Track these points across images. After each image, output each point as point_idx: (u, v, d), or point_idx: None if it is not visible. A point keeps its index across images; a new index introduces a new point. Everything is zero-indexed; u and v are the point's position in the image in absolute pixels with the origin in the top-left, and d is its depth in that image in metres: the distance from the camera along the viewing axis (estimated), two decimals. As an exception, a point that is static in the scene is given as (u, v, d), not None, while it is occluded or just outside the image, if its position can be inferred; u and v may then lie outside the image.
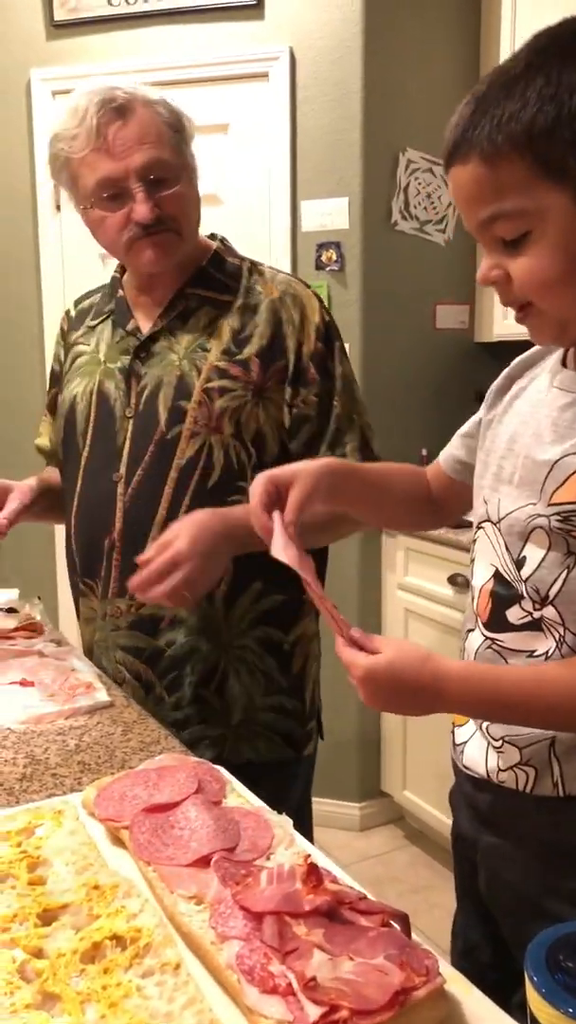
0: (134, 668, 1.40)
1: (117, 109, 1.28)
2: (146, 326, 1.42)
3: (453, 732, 1.01)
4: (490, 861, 0.95)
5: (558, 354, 0.92)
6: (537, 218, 0.75)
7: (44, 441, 1.65)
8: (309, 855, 0.79)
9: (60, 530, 1.70)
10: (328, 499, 1.00)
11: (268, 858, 0.81)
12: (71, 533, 1.46)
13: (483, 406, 1.03)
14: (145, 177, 1.29)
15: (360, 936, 0.69)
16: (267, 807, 0.91)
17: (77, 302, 1.59)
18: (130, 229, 1.32)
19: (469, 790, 0.98)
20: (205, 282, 1.41)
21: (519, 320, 0.85)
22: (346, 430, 1.38)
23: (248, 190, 2.80)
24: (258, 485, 0.98)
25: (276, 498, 0.97)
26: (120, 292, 1.48)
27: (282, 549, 0.92)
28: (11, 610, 1.60)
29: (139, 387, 1.39)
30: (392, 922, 0.72)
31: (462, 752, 0.98)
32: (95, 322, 1.50)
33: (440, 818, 2.60)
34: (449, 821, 2.79)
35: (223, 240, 1.48)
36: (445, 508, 1.16)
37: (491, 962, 1.00)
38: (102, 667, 1.41)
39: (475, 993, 0.68)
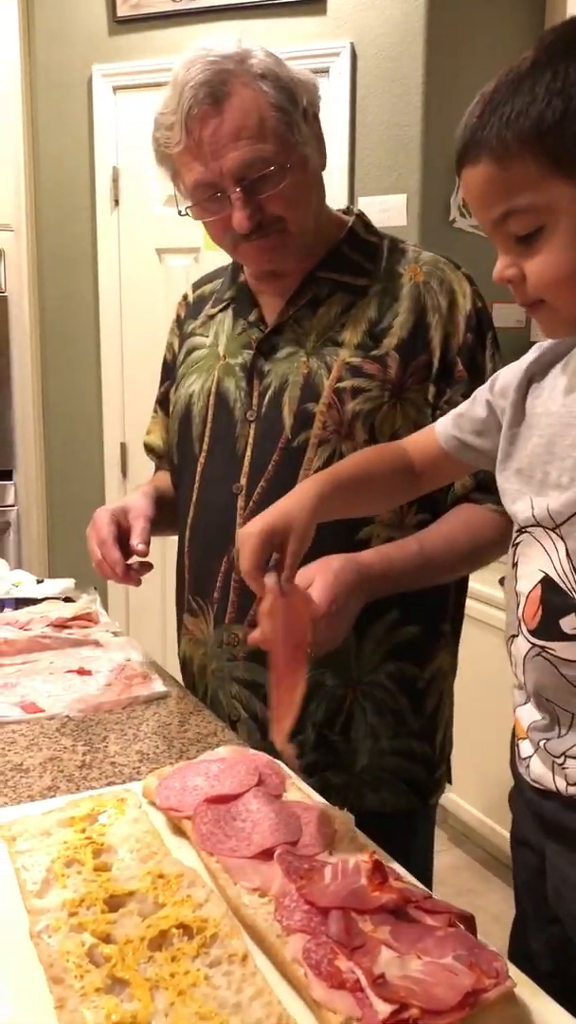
0: (250, 706, 1.25)
1: (212, 95, 1.11)
2: (271, 316, 1.26)
3: (517, 745, 1.00)
4: (559, 868, 0.94)
5: None
6: (549, 213, 0.75)
7: (155, 440, 1.50)
8: (374, 852, 0.79)
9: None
10: (318, 525, 0.97)
11: (330, 853, 0.81)
12: (184, 546, 1.33)
13: (503, 411, 0.97)
14: (243, 179, 1.13)
15: (427, 935, 0.68)
16: (327, 802, 0.91)
17: (196, 285, 1.43)
18: (231, 234, 1.18)
19: (533, 797, 0.96)
20: (338, 264, 1.24)
21: (530, 314, 0.84)
22: None
23: (305, 186, 2.80)
24: (250, 544, 0.90)
25: (270, 555, 0.92)
26: (241, 277, 1.31)
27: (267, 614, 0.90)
28: (67, 599, 1.62)
29: (262, 386, 1.23)
30: (457, 923, 0.71)
31: (528, 766, 0.96)
32: (215, 310, 1.34)
33: (485, 821, 2.58)
34: (493, 824, 2.75)
35: (360, 214, 1.29)
36: (425, 478, 1.09)
37: (551, 971, 0.98)
38: (217, 700, 1.29)
39: (543, 998, 0.67)
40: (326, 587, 1.05)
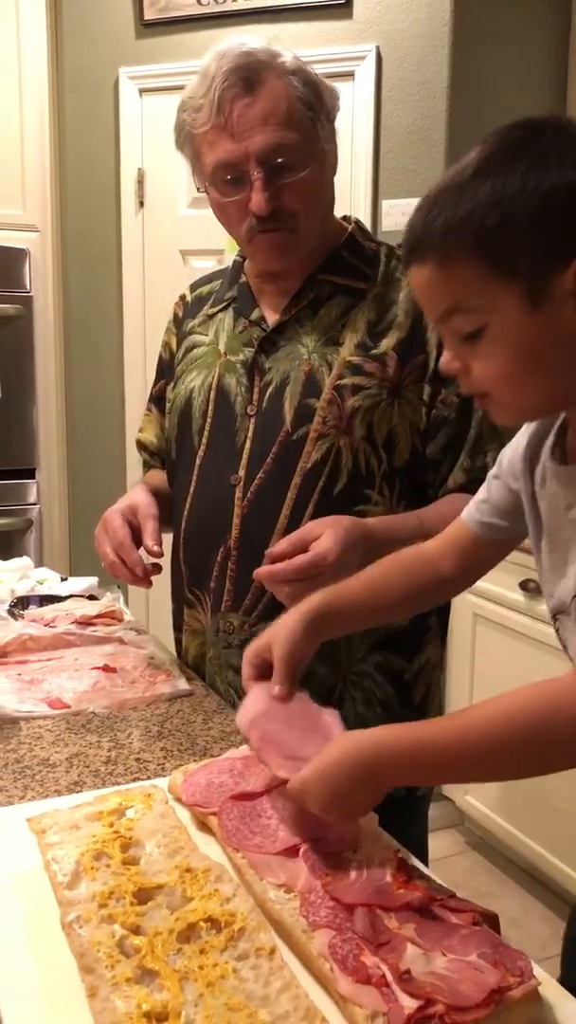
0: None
1: (246, 80, 1.16)
2: (272, 316, 1.30)
3: None
4: None
5: (551, 440, 0.91)
6: (491, 314, 0.78)
7: (148, 436, 1.52)
8: (399, 850, 0.79)
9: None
10: (320, 641, 0.99)
11: (355, 851, 0.82)
12: (181, 538, 1.36)
13: (519, 491, 0.98)
14: (266, 162, 1.17)
15: (452, 933, 0.69)
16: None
17: (194, 287, 1.47)
18: (248, 220, 1.21)
19: None
20: (338, 268, 1.29)
21: (478, 406, 0.87)
22: (488, 438, 1.24)
23: (329, 189, 2.81)
24: (245, 659, 0.98)
25: (263, 669, 0.97)
26: (243, 278, 1.35)
27: (247, 721, 0.91)
28: (91, 597, 1.63)
29: (262, 383, 1.27)
30: (482, 921, 0.72)
31: None
32: (215, 310, 1.38)
33: (502, 825, 2.58)
34: (511, 828, 2.74)
35: (358, 222, 1.36)
36: (462, 574, 1.07)
37: None
38: (215, 687, 1.31)
39: (568, 999, 0.67)
40: (336, 540, 1.09)
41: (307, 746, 0.85)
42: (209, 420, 1.32)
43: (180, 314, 1.45)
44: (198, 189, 1.28)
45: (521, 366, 0.79)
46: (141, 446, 1.55)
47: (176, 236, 3.00)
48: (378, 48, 2.68)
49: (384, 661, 1.27)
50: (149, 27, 2.92)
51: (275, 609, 1.12)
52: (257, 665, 0.97)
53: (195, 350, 1.38)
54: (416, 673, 1.30)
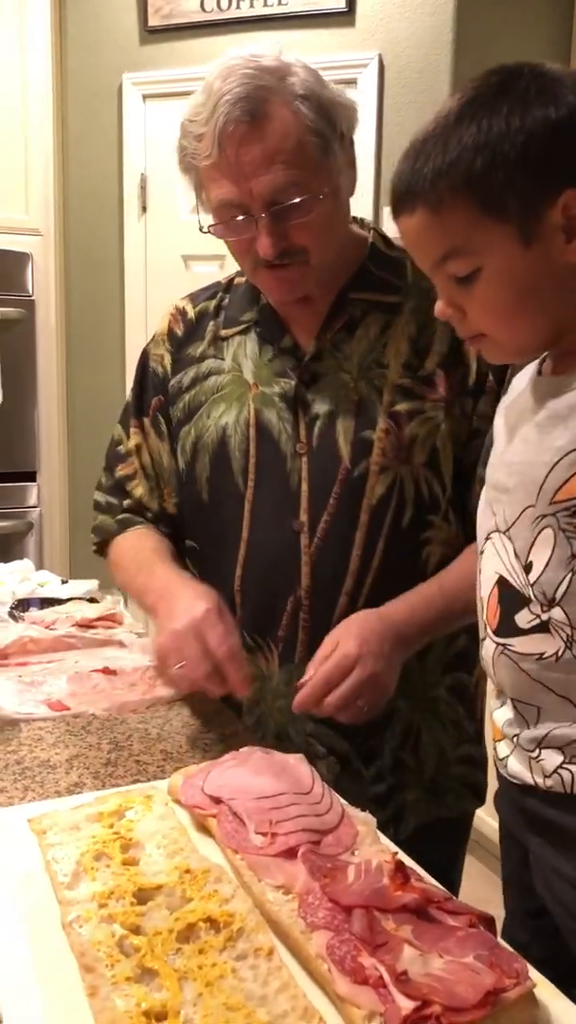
0: (328, 741, 1.21)
1: (249, 112, 1.05)
2: (305, 341, 1.21)
3: (495, 747, 1.02)
4: (546, 860, 0.96)
5: (535, 362, 0.93)
6: (485, 255, 0.80)
7: (140, 490, 1.34)
8: (396, 852, 0.80)
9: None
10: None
11: (353, 853, 0.82)
12: (235, 584, 1.24)
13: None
14: (271, 204, 1.08)
15: (448, 935, 0.70)
16: (348, 803, 0.92)
17: (195, 301, 1.32)
18: (252, 256, 1.13)
19: (515, 794, 0.99)
20: (368, 284, 1.21)
21: (471, 345, 0.90)
22: None
23: (331, 195, 2.83)
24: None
25: None
26: (263, 299, 1.24)
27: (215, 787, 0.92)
28: (92, 600, 1.64)
29: (308, 417, 1.19)
30: (478, 924, 0.72)
31: (506, 764, 0.99)
32: (230, 332, 1.26)
33: (496, 827, 2.58)
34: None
35: (376, 229, 1.25)
36: None
37: (543, 958, 1.00)
38: (286, 735, 1.22)
39: (562, 1000, 0.68)
40: (352, 634, 1.07)
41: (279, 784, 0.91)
42: (253, 460, 1.22)
43: (179, 332, 1.31)
44: (201, 229, 1.18)
45: (516, 303, 0.81)
46: (133, 508, 1.34)
47: (178, 241, 3.01)
48: (380, 56, 2.70)
49: (453, 682, 1.26)
50: (153, 33, 2.94)
51: None
52: None
53: (212, 378, 1.26)
54: (475, 685, 1.29)
